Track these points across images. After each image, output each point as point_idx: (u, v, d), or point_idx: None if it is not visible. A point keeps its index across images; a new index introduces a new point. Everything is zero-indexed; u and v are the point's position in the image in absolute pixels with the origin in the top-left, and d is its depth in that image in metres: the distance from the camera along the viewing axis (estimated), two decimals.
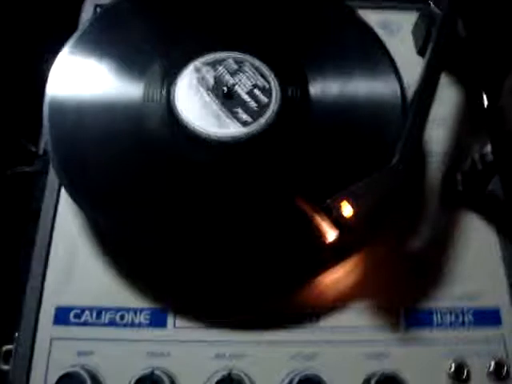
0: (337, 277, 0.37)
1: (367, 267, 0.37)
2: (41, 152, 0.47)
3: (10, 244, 0.44)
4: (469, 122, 0.43)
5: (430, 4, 0.42)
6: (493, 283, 0.37)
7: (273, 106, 0.39)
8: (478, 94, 0.43)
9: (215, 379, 0.33)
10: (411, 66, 0.41)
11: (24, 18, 0.54)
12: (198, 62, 0.40)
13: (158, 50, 0.41)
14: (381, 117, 0.38)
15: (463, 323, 0.36)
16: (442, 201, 0.40)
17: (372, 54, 0.40)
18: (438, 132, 0.42)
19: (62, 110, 0.39)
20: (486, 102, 0.42)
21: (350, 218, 0.33)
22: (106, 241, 0.38)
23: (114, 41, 0.42)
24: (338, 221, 0.33)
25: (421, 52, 0.44)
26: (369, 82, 0.40)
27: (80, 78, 0.40)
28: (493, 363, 0.35)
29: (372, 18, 0.44)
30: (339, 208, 0.33)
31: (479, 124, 0.42)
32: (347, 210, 0.33)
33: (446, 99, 0.43)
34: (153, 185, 0.37)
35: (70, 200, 0.38)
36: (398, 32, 0.46)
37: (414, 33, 0.46)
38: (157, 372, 0.33)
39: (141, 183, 0.37)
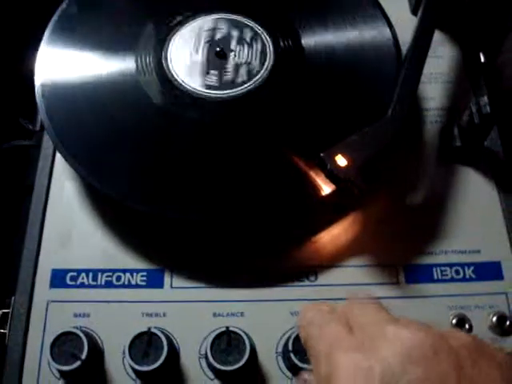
0: (335, 234, 0.37)
1: (365, 224, 0.37)
2: (37, 128, 0.47)
3: (7, 216, 0.44)
4: (465, 77, 0.42)
5: None
6: (493, 237, 0.37)
7: (267, 62, 0.39)
8: (474, 50, 0.43)
9: (213, 336, 0.33)
10: (406, 25, 0.41)
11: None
12: (187, 25, 0.40)
13: (146, 16, 0.41)
14: (375, 66, 0.38)
15: (464, 278, 0.36)
16: (439, 156, 0.39)
17: (363, 5, 0.40)
18: (434, 88, 0.42)
19: (53, 82, 0.39)
20: (482, 59, 0.42)
21: (345, 169, 0.32)
22: (102, 204, 0.37)
23: (100, 13, 0.42)
24: (333, 174, 0.33)
25: (415, 11, 0.44)
26: (361, 31, 0.39)
27: (68, 51, 0.40)
28: (495, 317, 0.34)
29: None
30: (334, 160, 0.33)
31: (476, 79, 0.41)
32: (342, 162, 0.33)
33: (443, 55, 0.43)
34: (148, 146, 0.37)
35: (65, 166, 0.39)
36: None
37: None
38: (154, 330, 0.32)
39: (136, 145, 0.37)
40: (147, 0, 0.43)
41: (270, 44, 0.39)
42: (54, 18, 0.41)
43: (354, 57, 0.38)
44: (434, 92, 0.41)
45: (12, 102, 0.53)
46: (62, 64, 0.39)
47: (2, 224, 0.45)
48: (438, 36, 0.39)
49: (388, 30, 0.39)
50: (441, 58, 0.42)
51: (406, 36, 0.40)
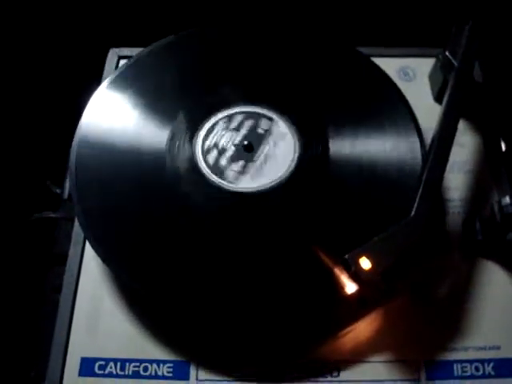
0: (358, 329, 0.37)
1: (387, 319, 0.37)
2: (65, 195, 0.48)
3: (34, 289, 0.45)
4: (487, 167, 0.43)
5: (445, 51, 0.42)
6: None
7: (293, 160, 0.40)
8: (496, 138, 0.43)
9: None
10: (428, 111, 0.42)
11: (50, 68, 0.56)
12: (219, 116, 0.42)
13: (182, 102, 0.43)
14: (400, 175, 0.38)
15: (484, 374, 0.36)
16: (461, 250, 0.40)
17: (395, 113, 0.41)
18: (457, 177, 0.42)
19: (88, 154, 0.40)
20: (503, 147, 0.42)
21: (369, 272, 0.33)
22: (130, 293, 0.38)
23: (142, 89, 0.43)
24: (357, 276, 0.34)
25: (437, 98, 0.45)
26: (390, 142, 0.40)
27: (109, 122, 0.42)
28: None
29: (388, 64, 0.44)
30: (358, 263, 0.33)
31: (497, 170, 0.42)
32: (366, 264, 0.33)
33: (464, 144, 0.44)
34: (175, 238, 0.38)
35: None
36: (414, 78, 0.47)
37: (431, 78, 0.46)
38: None
39: (163, 237, 0.38)
40: (192, 85, 0.44)
41: (297, 145, 0.40)
42: (97, 92, 0.43)
43: (381, 166, 0.39)
44: (456, 182, 0.42)
45: (40, 164, 0.55)
46: (102, 138, 0.41)
47: (28, 294, 0.46)
48: (460, 124, 0.40)
49: (419, 147, 0.40)
50: (463, 147, 0.43)
51: (426, 122, 0.41)
